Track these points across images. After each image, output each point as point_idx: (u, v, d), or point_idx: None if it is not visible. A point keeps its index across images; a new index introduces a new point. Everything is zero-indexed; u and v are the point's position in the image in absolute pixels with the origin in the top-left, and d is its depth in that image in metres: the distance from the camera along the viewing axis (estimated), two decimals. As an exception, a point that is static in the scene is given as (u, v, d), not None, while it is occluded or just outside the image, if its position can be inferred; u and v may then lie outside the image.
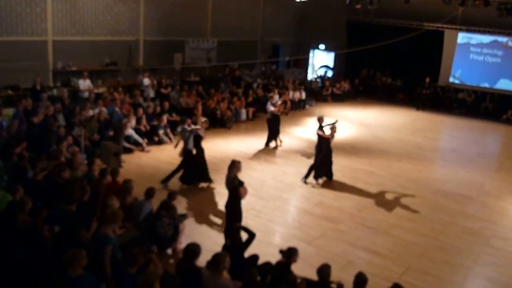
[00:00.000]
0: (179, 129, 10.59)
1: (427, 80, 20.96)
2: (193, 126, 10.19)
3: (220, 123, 15.49)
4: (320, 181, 10.94)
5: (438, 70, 21.70)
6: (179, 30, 18.34)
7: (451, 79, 21.68)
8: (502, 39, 20.10)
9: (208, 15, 19.72)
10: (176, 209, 7.39)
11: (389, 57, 21.98)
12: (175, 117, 14.28)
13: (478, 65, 20.95)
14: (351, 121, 17.75)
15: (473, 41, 20.94)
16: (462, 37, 21.10)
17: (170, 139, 13.39)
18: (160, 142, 13.17)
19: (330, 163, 11.06)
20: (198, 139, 10.19)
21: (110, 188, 7.72)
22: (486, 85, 20.87)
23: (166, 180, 10.15)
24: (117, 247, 6.03)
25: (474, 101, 20.98)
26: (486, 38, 20.50)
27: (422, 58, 21.46)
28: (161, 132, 13.29)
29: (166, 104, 14.44)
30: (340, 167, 12.02)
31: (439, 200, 10.54)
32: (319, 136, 10.81)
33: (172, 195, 7.47)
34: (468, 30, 20.67)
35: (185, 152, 10.19)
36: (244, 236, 6.54)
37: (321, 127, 10.84)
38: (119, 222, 6.36)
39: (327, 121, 11.02)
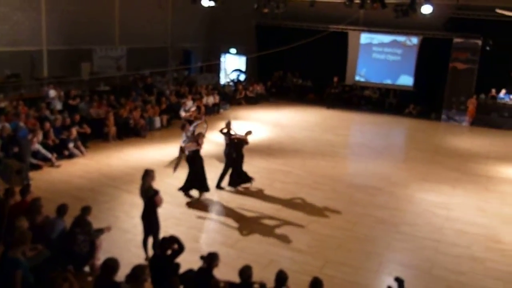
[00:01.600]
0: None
1: (335, 79, 21.97)
2: (183, 139, 10.58)
3: (134, 132, 15.12)
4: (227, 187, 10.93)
5: (345, 69, 22.83)
6: (86, 38, 17.71)
7: (357, 78, 22.84)
8: (401, 38, 21.56)
9: (115, 22, 19.21)
10: (91, 225, 7.12)
11: (299, 58, 22.71)
12: (86, 129, 13.73)
13: (381, 63, 22.27)
14: (265, 123, 18.09)
15: (375, 41, 22.24)
16: (365, 38, 22.32)
17: (81, 152, 12.86)
18: (71, 156, 12.58)
19: (239, 169, 10.94)
20: (193, 152, 10.16)
21: (18, 208, 7.26)
22: (389, 81, 22.24)
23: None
24: (29, 270, 5.70)
25: (379, 98, 22.30)
26: (386, 38, 21.87)
27: (329, 59, 22.44)
28: (71, 145, 12.70)
29: (77, 117, 13.83)
30: (258, 169, 12.22)
31: (352, 193, 11.07)
32: (232, 141, 10.88)
33: (86, 210, 7.17)
34: (369, 31, 21.96)
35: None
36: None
37: (228, 131, 11.04)
38: (29, 243, 6.02)
39: (238, 127, 11.27)
